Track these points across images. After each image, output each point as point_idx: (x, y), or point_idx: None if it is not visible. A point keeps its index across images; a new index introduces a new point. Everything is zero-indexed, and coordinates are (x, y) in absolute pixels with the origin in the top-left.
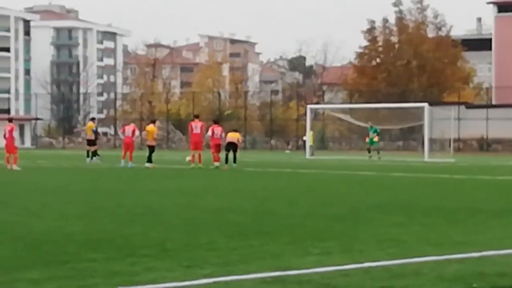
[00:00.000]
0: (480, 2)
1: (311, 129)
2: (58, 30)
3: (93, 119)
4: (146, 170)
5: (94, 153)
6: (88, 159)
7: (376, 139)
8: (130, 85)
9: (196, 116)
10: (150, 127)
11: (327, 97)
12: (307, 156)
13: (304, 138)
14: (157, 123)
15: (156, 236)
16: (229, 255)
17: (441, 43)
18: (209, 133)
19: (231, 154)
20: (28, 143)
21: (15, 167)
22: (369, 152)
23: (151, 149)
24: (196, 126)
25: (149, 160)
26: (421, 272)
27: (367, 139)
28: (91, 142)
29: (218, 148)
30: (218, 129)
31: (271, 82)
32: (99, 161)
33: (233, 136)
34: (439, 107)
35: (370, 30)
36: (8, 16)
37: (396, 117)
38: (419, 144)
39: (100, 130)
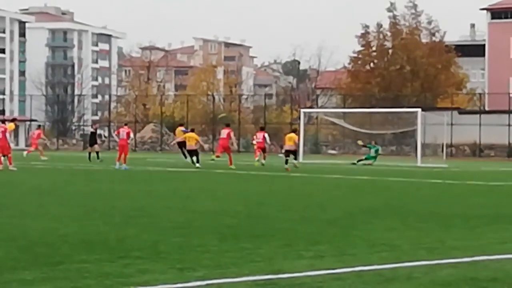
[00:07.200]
0: (473, 8)
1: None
2: (53, 31)
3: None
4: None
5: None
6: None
7: (372, 154)
8: (124, 87)
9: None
10: (191, 134)
11: (320, 101)
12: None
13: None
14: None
15: (149, 239)
16: (222, 258)
17: (434, 48)
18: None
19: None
20: (22, 144)
21: (11, 167)
22: (358, 162)
23: (193, 152)
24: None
25: (197, 160)
26: (413, 276)
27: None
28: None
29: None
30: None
31: (265, 85)
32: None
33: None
34: (432, 112)
35: (364, 35)
36: (3, 17)
37: (389, 122)
38: (412, 149)
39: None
